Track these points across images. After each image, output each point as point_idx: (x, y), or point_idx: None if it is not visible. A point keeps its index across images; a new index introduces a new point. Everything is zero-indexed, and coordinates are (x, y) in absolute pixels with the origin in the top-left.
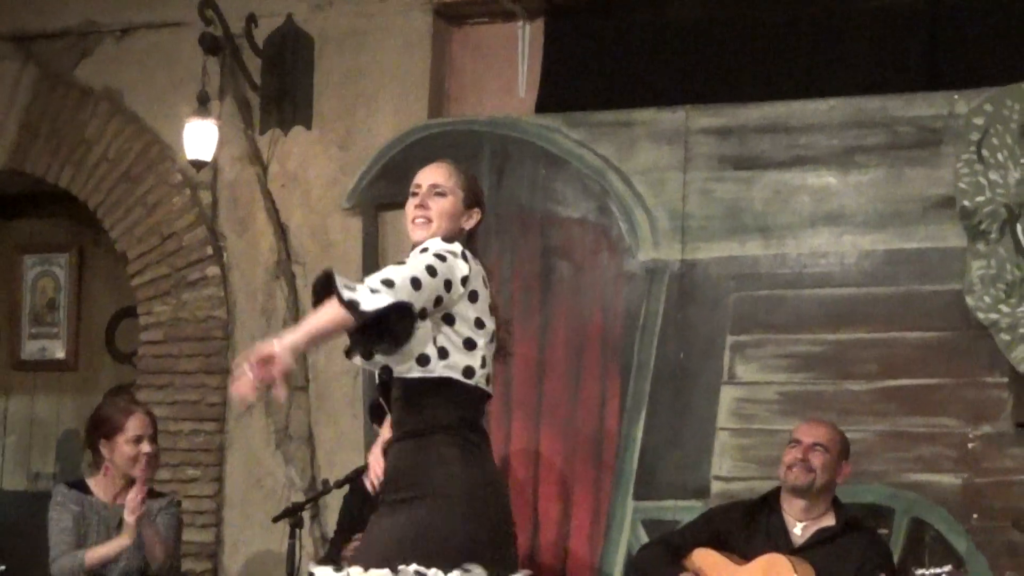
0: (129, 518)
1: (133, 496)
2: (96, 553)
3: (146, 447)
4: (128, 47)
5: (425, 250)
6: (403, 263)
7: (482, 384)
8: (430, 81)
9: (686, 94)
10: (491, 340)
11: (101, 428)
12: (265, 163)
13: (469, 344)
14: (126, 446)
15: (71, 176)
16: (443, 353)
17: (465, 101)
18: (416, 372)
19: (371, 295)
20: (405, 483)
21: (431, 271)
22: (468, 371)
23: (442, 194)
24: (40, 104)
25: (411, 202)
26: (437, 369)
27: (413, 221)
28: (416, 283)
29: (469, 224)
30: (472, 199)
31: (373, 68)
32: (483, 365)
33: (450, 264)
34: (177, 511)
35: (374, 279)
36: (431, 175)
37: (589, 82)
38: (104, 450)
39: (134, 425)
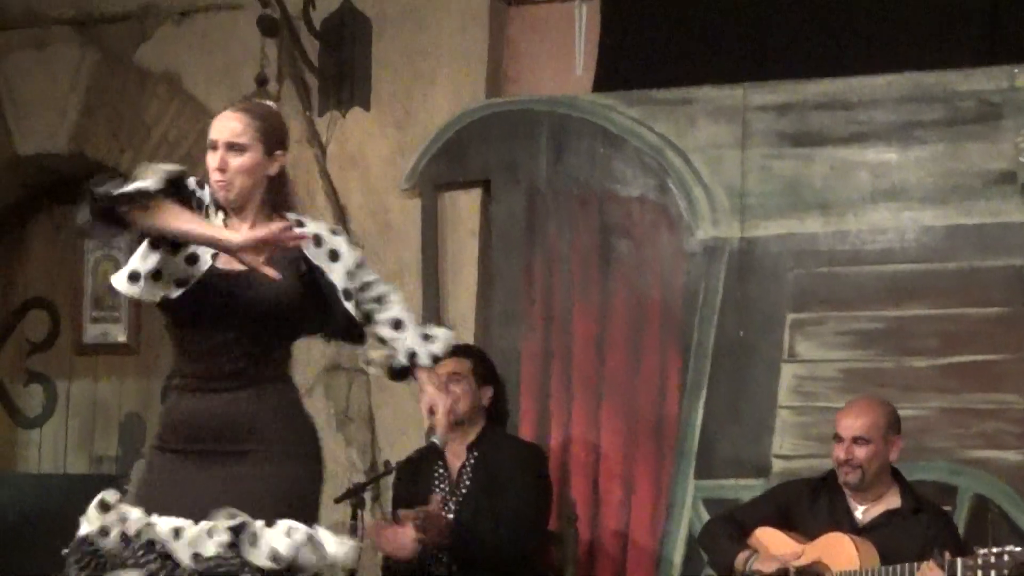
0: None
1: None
2: None
3: None
4: (187, 30)
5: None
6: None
7: None
8: (488, 60)
9: (744, 71)
10: None
11: None
12: (324, 144)
13: None
14: None
15: (131, 159)
16: None
17: (523, 80)
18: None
19: None
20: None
21: None
22: None
23: (240, 150)
24: (100, 88)
25: (209, 159)
26: None
27: (215, 183)
28: None
29: (273, 171)
30: (274, 143)
31: (431, 48)
32: None
33: None
34: None
35: None
36: (225, 129)
37: (646, 60)
38: None
39: None
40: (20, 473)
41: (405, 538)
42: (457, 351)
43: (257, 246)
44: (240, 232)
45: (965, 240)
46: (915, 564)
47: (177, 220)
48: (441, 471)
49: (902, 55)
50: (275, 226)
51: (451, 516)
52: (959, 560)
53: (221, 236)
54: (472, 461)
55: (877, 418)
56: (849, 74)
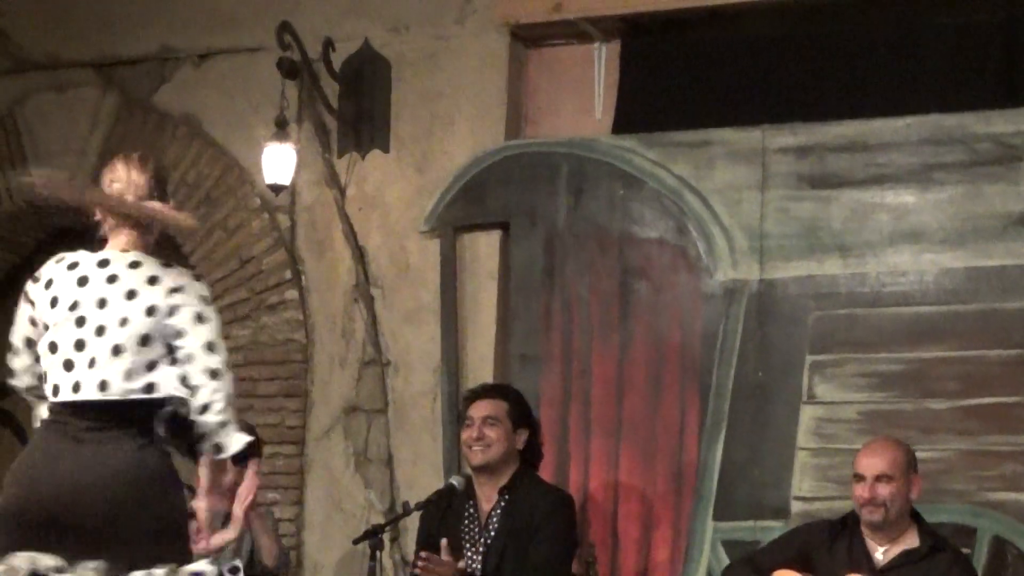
0: (238, 509)
1: (248, 487)
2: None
3: None
4: (206, 72)
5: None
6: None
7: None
8: (507, 103)
9: (763, 113)
10: None
11: None
12: (343, 186)
13: None
14: None
15: None
16: None
17: (542, 122)
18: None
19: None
20: None
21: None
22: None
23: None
24: (120, 130)
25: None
26: None
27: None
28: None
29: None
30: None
31: (450, 90)
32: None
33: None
34: (273, 516)
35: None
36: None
37: (665, 102)
38: None
39: None
40: None
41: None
42: (494, 392)
43: None
44: None
45: (984, 282)
46: None
47: None
48: (471, 511)
49: (921, 98)
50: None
51: (469, 565)
52: None
53: None
54: (503, 505)
55: (897, 456)
56: (868, 116)
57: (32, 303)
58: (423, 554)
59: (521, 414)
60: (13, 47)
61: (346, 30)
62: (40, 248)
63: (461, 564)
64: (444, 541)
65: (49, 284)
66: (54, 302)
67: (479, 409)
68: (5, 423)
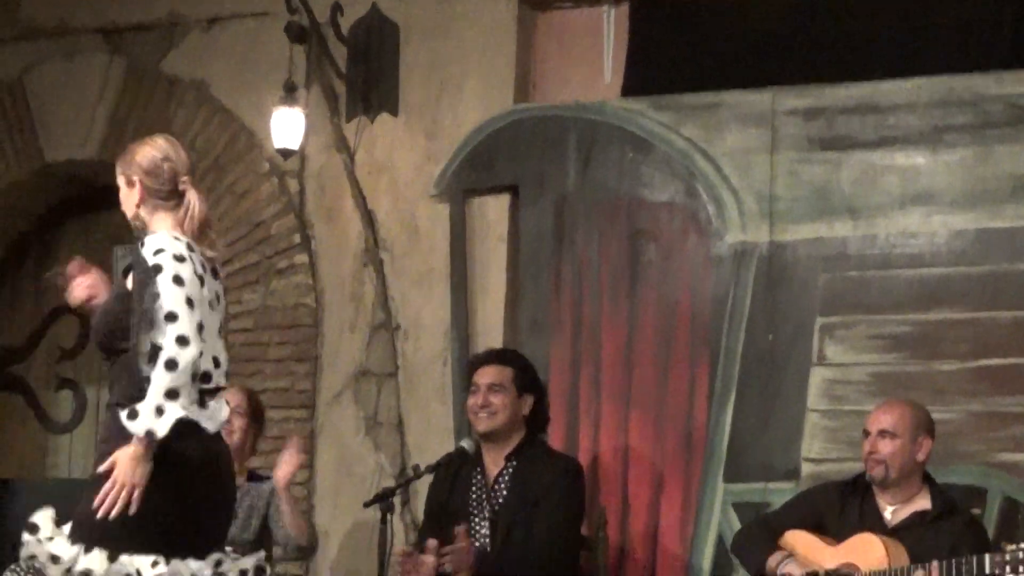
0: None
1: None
2: None
3: (234, 421)
4: (214, 38)
5: (159, 269)
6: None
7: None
8: (515, 67)
9: (773, 75)
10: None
11: None
12: (352, 151)
13: None
14: None
15: None
16: None
17: (550, 87)
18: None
19: (159, 418)
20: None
21: (189, 303)
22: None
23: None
24: (128, 96)
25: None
26: None
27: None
28: (188, 352)
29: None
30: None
31: (458, 55)
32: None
33: (188, 281)
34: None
35: (157, 393)
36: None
37: (675, 65)
38: None
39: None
40: (50, 479)
41: (427, 569)
42: (499, 358)
43: None
44: None
45: (995, 244)
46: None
47: None
48: (478, 478)
49: (931, 59)
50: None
51: (476, 544)
52: (987, 556)
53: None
54: (509, 470)
55: (904, 415)
56: (878, 78)
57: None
58: (448, 548)
59: (526, 380)
60: (21, 14)
61: None
62: (49, 215)
63: (464, 543)
64: (463, 528)
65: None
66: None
67: (484, 376)
68: (18, 389)
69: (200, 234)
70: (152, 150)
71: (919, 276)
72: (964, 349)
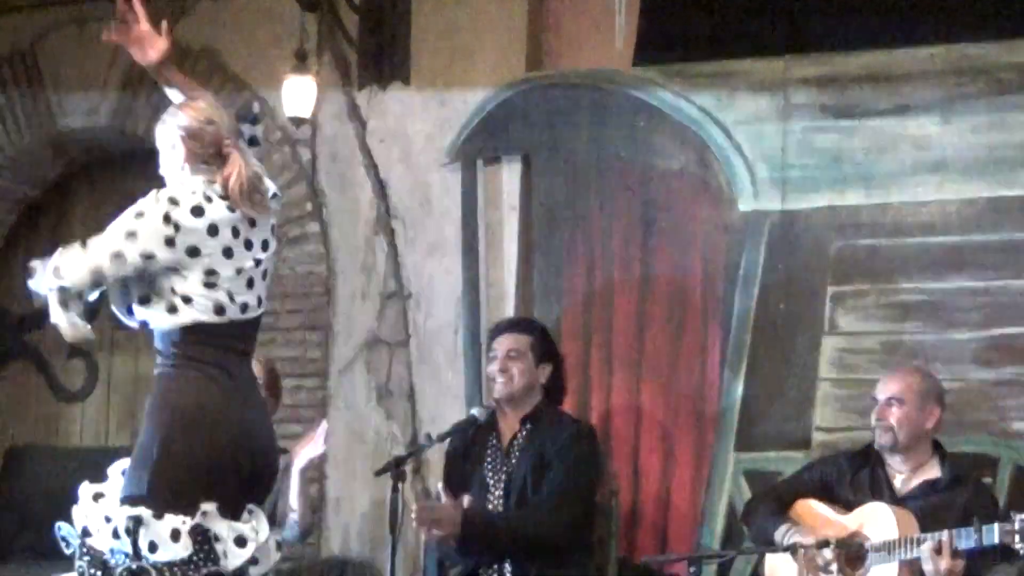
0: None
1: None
2: None
3: None
4: (226, 6)
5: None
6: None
7: (236, 314)
8: (527, 35)
9: (785, 43)
10: (239, 272)
11: None
12: (364, 119)
13: (209, 285)
14: None
15: None
16: (187, 300)
17: (562, 55)
18: (168, 323)
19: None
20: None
21: (116, 256)
22: (218, 308)
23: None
24: (140, 64)
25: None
26: (184, 314)
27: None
28: (95, 272)
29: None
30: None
31: (471, 23)
32: (232, 299)
33: (148, 231)
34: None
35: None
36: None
37: (687, 33)
38: None
39: None
40: (62, 447)
41: (446, 510)
42: (518, 326)
43: None
44: None
45: (1007, 212)
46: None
47: None
48: (494, 442)
49: (944, 27)
50: None
51: (492, 493)
52: (996, 525)
53: None
54: (524, 433)
55: (913, 383)
56: (891, 46)
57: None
58: (417, 501)
59: (545, 349)
60: None
61: None
62: (61, 182)
63: (466, 502)
64: (466, 500)
65: None
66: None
67: (503, 343)
68: (30, 357)
69: (246, 194)
70: (195, 113)
71: (931, 244)
72: (976, 318)
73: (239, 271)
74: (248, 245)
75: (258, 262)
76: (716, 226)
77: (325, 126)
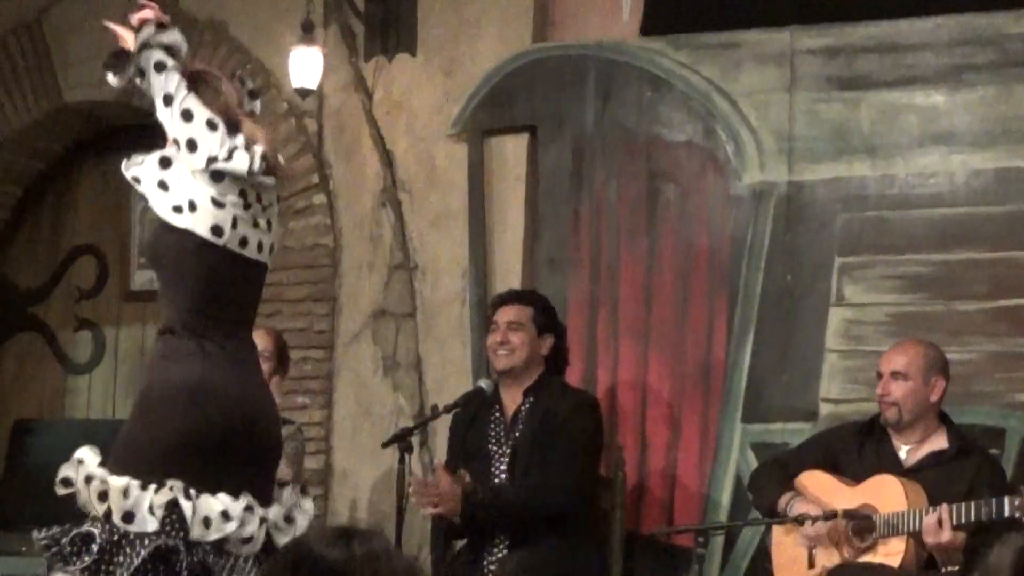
0: None
1: None
2: None
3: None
4: None
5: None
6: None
7: (235, 245)
8: (534, 6)
9: (791, 14)
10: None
11: None
12: (370, 91)
13: (217, 204)
14: None
15: None
16: (192, 207)
17: (569, 25)
18: (169, 217)
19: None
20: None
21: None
22: (216, 229)
23: None
24: None
25: None
26: (184, 220)
27: None
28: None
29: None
30: None
31: None
32: (234, 226)
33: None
34: (302, 438)
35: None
36: None
37: (693, 4)
38: None
39: None
40: (69, 419)
41: (445, 485)
42: (519, 298)
43: None
44: None
45: (1015, 183)
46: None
47: None
48: (497, 415)
49: None
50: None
51: (496, 466)
52: (1006, 498)
53: None
54: (527, 406)
55: (916, 356)
56: (897, 17)
57: None
58: (414, 480)
59: (547, 320)
60: None
61: None
62: (67, 156)
63: (467, 479)
64: (466, 476)
65: None
66: None
67: (504, 314)
68: (36, 330)
69: (272, 156)
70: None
71: (938, 216)
72: (983, 289)
73: (247, 206)
74: (258, 202)
75: (268, 223)
76: (723, 197)
77: (331, 97)
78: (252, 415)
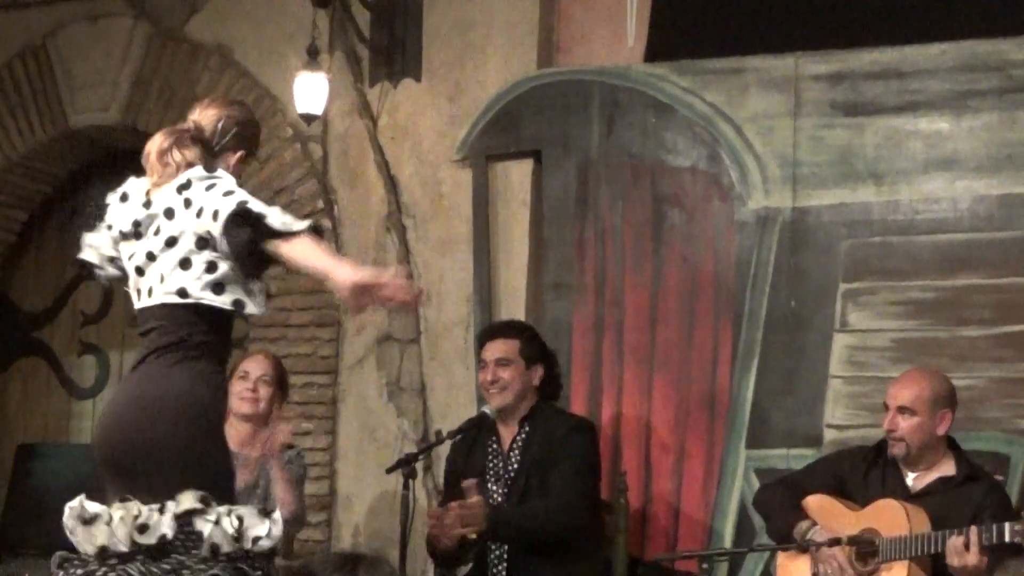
0: (253, 453)
1: (269, 436)
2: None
3: (254, 387)
4: (238, 2)
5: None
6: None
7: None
8: (539, 31)
9: (796, 40)
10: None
11: None
12: (375, 116)
13: None
14: (236, 383)
15: None
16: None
17: (574, 51)
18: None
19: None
20: None
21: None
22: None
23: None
24: (152, 60)
25: None
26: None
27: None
28: None
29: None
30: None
31: (481, 19)
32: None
33: None
34: (303, 463)
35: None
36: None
37: (698, 29)
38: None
39: (246, 364)
40: (74, 444)
41: (452, 516)
42: (504, 331)
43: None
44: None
45: (1019, 209)
46: (955, 531)
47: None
48: (495, 446)
49: (955, 24)
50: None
51: (494, 498)
52: (1007, 524)
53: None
54: (523, 435)
55: (924, 390)
56: (902, 43)
57: None
58: (432, 513)
59: (535, 350)
60: None
61: None
62: (72, 179)
63: (475, 499)
64: (472, 483)
65: None
66: None
67: (491, 351)
68: (41, 354)
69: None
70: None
71: (942, 242)
72: (987, 315)
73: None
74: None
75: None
76: (727, 223)
77: (336, 122)
78: (107, 423)
